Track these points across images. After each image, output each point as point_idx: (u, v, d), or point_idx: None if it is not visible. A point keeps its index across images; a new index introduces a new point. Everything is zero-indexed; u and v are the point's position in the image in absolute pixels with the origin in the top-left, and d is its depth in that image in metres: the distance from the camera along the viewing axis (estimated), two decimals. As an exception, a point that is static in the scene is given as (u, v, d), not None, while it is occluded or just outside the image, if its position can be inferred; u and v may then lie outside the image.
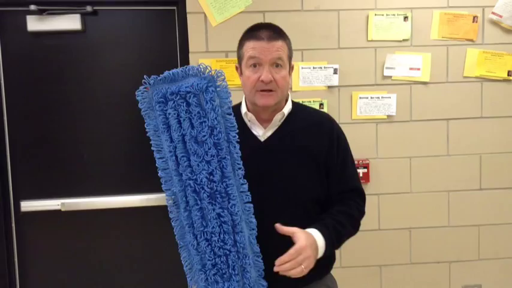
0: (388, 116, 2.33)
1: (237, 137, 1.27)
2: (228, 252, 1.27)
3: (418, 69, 2.31)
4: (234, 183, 1.27)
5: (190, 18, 2.23)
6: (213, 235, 1.27)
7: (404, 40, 2.30)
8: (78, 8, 2.24)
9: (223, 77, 1.26)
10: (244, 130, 1.38)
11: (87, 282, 2.39)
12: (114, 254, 2.40)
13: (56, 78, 2.30)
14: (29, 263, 2.37)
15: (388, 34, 2.29)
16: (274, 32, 1.37)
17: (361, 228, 1.47)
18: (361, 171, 2.30)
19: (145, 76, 1.27)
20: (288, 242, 1.24)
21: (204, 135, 1.24)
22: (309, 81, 2.28)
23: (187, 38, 2.24)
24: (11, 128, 2.31)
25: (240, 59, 1.41)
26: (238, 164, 1.27)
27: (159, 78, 1.27)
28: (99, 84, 2.33)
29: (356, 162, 1.56)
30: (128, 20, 2.32)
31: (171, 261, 2.27)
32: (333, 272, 1.52)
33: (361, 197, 1.48)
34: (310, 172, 1.40)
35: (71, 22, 2.25)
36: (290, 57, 1.41)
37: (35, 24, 2.23)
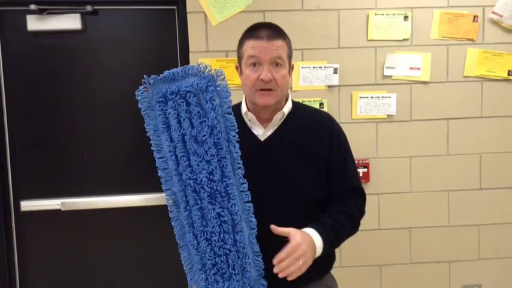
0: (388, 115, 2.33)
1: (237, 136, 1.27)
2: (228, 252, 1.27)
3: (418, 68, 2.31)
4: (234, 182, 1.27)
5: (190, 18, 2.23)
6: (213, 235, 1.27)
7: (404, 40, 2.30)
8: (78, 7, 2.24)
9: (223, 76, 1.26)
10: (244, 130, 1.37)
11: (87, 282, 2.39)
12: (114, 254, 2.40)
13: (56, 78, 2.30)
14: (29, 262, 2.37)
15: (388, 34, 2.29)
16: (274, 31, 1.36)
17: (361, 228, 1.47)
18: (361, 170, 2.30)
19: (145, 76, 1.27)
20: (287, 242, 1.25)
21: (204, 135, 1.24)
22: (309, 81, 2.28)
23: (188, 37, 2.24)
24: (11, 128, 2.31)
25: (239, 58, 1.41)
26: (238, 163, 1.27)
27: (159, 77, 1.27)
28: (99, 84, 2.33)
29: (356, 161, 1.56)
30: (128, 20, 2.32)
31: (171, 261, 2.27)
32: (333, 271, 1.52)
33: (361, 196, 1.48)
34: (310, 172, 1.40)
35: (71, 22, 2.25)
36: (290, 57, 1.41)
37: (35, 23, 2.23)
